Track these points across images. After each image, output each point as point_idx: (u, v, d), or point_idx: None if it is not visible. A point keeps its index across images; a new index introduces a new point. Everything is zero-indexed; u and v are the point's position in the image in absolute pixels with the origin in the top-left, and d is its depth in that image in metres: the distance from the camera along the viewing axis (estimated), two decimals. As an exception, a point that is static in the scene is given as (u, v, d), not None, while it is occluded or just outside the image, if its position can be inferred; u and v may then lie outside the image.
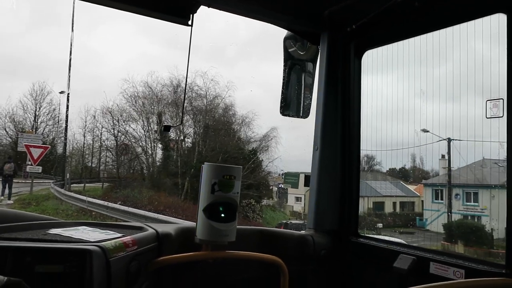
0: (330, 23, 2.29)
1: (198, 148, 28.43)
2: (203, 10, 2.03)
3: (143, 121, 31.16)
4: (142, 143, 31.46)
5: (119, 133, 32.25)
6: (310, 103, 2.51)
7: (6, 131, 41.18)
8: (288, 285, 1.91)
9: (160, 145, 30.84)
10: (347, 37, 2.29)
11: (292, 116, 2.58)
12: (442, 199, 14.57)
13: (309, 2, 2.24)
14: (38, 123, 41.17)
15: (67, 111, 32.04)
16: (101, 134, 38.29)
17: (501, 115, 1.67)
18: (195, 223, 1.78)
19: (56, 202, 20.52)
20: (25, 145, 24.51)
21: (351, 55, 2.31)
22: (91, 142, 39.20)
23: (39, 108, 41.19)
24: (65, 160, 35.36)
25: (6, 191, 21.50)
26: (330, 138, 2.29)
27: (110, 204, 15.99)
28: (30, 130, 37.68)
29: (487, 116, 1.71)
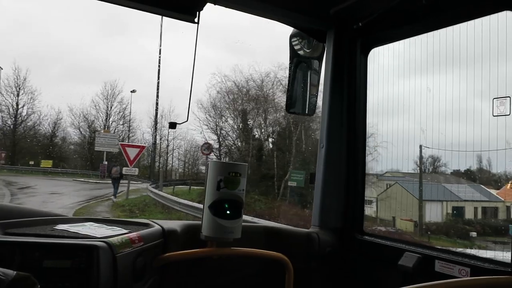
0: (337, 21, 2.28)
1: (297, 147, 25.90)
2: (209, 8, 2.03)
3: (232, 118, 29.59)
4: (235, 142, 29.55)
5: (221, 132, 29.99)
6: (316, 101, 2.51)
7: (80, 130, 42.36)
8: (293, 282, 1.92)
9: (239, 143, 29.06)
10: (353, 34, 2.28)
11: (298, 114, 2.59)
12: (538, 205, 12.86)
13: (316, 0, 2.23)
14: (110, 122, 42.04)
15: (156, 112, 31.32)
16: (168, 134, 38.50)
17: (508, 113, 1.67)
18: (200, 220, 1.79)
19: (160, 209, 17.93)
20: (121, 144, 23.58)
21: (357, 52, 2.30)
22: (159, 142, 39.06)
23: (110, 107, 42.22)
24: (153, 161, 34.96)
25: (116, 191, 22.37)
26: (336, 136, 2.29)
27: (251, 218, 11.45)
28: (107, 130, 37.95)
29: (494, 114, 1.70)
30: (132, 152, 20.58)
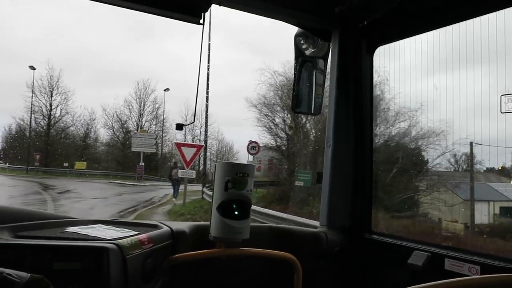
0: (342, 20, 2.28)
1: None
2: (214, 9, 2.03)
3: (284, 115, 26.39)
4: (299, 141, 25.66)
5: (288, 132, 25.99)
6: (322, 100, 2.51)
7: (113, 131, 42.01)
8: (302, 282, 1.92)
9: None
10: (358, 33, 2.28)
11: (304, 113, 2.59)
12: None
13: None
14: (143, 122, 41.56)
15: (206, 111, 28.24)
16: (200, 134, 38.00)
17: None
18: (209, 221, 1.80)
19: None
20: (176, 143, 20.78)
21: (363, 51, 2.29)
22: (191, 142, 37.71)
23: (143, 107, 41.89)
24: (206, 161, 32.81)
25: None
26: (343, 135, 2.29)
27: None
28: (143, 130, 37.20)
29: (502, 111, 1.69)
30: (188, 152, 17.42)
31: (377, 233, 2.19)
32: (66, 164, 37.97)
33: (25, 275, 0.92)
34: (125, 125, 41.24)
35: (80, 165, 37.82)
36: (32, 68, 40.87)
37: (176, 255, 1.76)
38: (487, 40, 1.87)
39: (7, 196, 19.81)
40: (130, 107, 41.68)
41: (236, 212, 1.73)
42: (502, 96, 1.68)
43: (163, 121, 40.82)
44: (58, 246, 1.45)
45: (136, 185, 27.28)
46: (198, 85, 2.08)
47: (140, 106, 41.40)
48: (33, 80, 41.23)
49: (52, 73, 42.75)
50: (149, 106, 41.72)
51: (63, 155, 39.22)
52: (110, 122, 41.48)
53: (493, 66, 1.93)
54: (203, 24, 2.02)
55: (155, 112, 41.37)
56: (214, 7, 2.03)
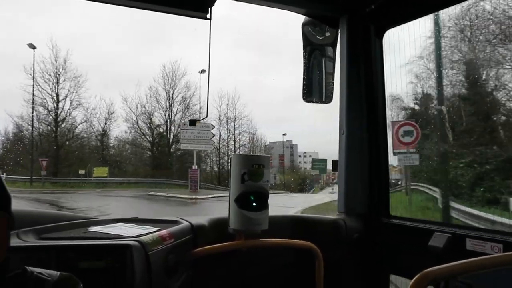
0: (349, 5, 2.26)
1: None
2: (221, 2, 2.03)
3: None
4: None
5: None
6: (333, 88, 2.49)
7: (138, 125, 32.91)
8: (323, 270, 1.93)
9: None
10: (366, 18, 2.26)
11: (316, 102, 2.57)
12: None
13: None
14: (174, 113, 33.50)
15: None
16: (234, 130, 32.83)
17: None
18: (227, 214, 1.81)
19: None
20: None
21: (372, 35, 2.28)
22: (225, 138, 33.02)
23: (172, 94, 33.48)
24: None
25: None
26: (356, 121, 2.28)
27: None
28: (198, 120, 32.36)
29: None
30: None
31: (396, 217, 2.18)
32: (82, 172, 28.55)
33: (55, 273, 0.95)
34: (152, 118, 33.54)
35: (101, 171, 29.15)
36: (32, 46, 29.55)
37: (198, 249, 1.78)
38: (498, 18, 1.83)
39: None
40: (157, 96, 33.18)
41: (254, 204, 1.75)
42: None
43: (199, 110, 33.22)
44: (82, 246, 1.49)
45: (194, 198, 18.97)
46: (208, 81, 2.09)
47: (169, 96, 33.27)
48: (33, 63, 30.26)
49: (58, 54, 31.69)
50: (179, 93, 33.80)
51: (76, 159, 30.62)
52: (134, 116, 33.09)
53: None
54: (210, 19, 2.02)
55: (187, 101, 33.13)
56: (220, 1, 2.03)
